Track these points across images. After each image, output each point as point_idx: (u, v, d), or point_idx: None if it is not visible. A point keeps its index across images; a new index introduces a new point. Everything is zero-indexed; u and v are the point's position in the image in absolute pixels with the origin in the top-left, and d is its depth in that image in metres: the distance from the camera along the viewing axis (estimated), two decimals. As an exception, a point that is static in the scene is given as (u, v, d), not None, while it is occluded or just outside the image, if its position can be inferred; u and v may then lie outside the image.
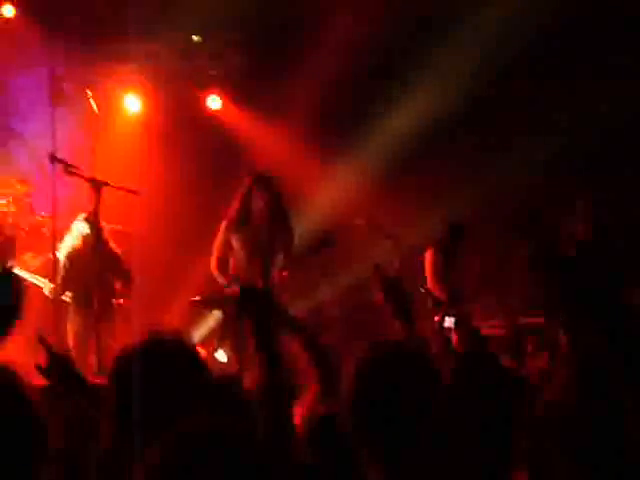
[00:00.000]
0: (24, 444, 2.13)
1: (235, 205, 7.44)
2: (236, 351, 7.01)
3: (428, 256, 7.84)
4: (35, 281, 7.99)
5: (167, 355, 2.84)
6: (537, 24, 8.78)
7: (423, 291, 7.53)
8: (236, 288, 7.07)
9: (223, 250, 7.44)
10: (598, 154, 8.94)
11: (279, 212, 7.44)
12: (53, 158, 6.84)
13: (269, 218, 7.40)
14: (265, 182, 7.42)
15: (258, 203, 7.39)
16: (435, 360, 2.94)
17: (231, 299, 7.05)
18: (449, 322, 4.91)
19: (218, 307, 7.42)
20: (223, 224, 7.46)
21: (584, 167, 9.02)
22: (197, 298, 7.40)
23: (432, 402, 2.66)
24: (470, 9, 9.04)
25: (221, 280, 7.31)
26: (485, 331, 7.32)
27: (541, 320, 7.62)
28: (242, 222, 7.40)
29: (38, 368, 3.24)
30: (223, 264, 7.39)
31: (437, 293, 7.53)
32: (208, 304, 7.36)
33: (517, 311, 8.15)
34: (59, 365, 3.33)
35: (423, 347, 3.89)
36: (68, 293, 7.72)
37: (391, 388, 2.65)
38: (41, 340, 3.30)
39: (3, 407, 2.14)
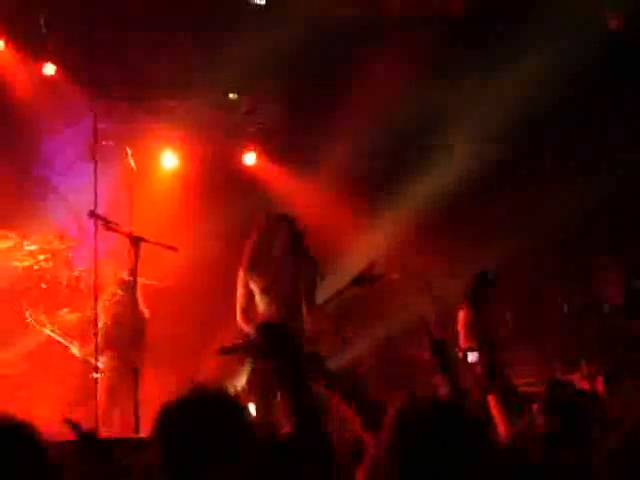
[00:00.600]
0: None
1: (250, 249, 7.20)
2: (263, 400, 6.79)
3: (460, 315, 7.72)
4: (63, 341, 8.08)
5: (212, 408, 2.82)
6: (576, 71, 8.79)
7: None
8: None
9: (245, 299, 7.20)
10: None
11: (301, 249, 7.15)
12: (92, 214, 6.88)
13: (291, 256, 7.13)
14: (287, 220, 7.18)
15: (278, 243, 7.14)
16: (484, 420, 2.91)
17: (256, 344, 6.86)
18: (473, 357, 4.78)
19: (244, 353, 7.15)
20: (240, 273, 7.22)
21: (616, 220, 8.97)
22: (225, 345, 7.16)
23: (469, 453, 2.64)
24: (508, 57, 9.05)
25: (247, 329, 7.07)
26: (522, 389, 7.26)
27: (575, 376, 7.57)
28: (261, 265, 7.14)
29: (67, 422, 3.26)
30: (247, 313, 7.16)
31: (469, 344, 7.42)
32: (234, 351, 7.19)
33: (551, 360, 8.09)
34: (89, 442, 3.35)
35: (465, 401, 3.88)
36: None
37: (430, 440, 2.63)
38: (67, 421, 3.35)
39: (21, 458, 2.12)
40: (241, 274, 7.21)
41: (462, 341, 7.50)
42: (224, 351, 7.07)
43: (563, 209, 8.98)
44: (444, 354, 3.81)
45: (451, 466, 2.62)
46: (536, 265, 9.18)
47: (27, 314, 8.43)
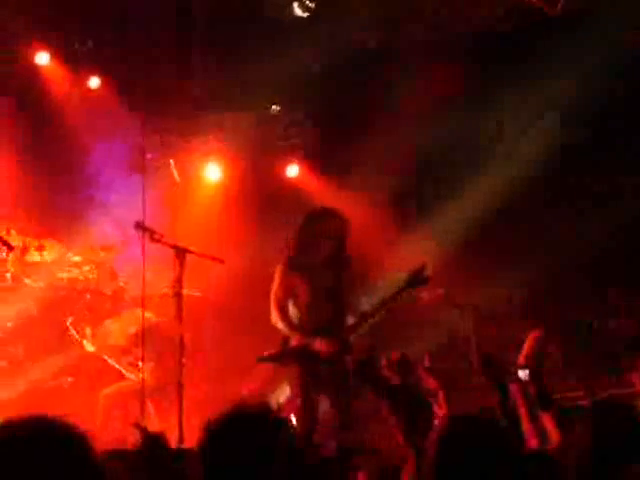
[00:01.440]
0: None
1: (294, 244, 6.86)
2: (304, 409, 6.56)
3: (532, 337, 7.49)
4: (107, 358, 8.19)
5: (255, 427, 2.80)
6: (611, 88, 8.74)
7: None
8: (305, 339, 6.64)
9: (284, 295, 6.81)
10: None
11: (345, 254, 6.89)
12: (139, 225, 6.93)
13: (336, 259, 6.85)
14: (334, 218, 6.89)
15: (323, 242, 6.82)
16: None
17: (307, 353, 6.62)
18: (524, 375, 4.71)
19: (281, 362, 6.86)
20: (280, 268, 6.85)
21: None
22: (265, 354, 6.89)
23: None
24: (545, 73, 9.01)
25: (285, 330, 6.73)
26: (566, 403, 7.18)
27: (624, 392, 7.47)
28: (305, 263, 6.80)
29: (136, 425, 3.29)
30: (285, 311, 6.78)
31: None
32: (272, 359, 6.84)
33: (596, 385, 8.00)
34: (152, 443, 3.38)
35: (514, 419, 3.86)
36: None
37: (470, 459, 2.63)
38: (136, 425, 3.38)
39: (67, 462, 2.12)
40: (280, 271, 6.86)
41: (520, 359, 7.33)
42: (260, 359, 6.92)
43: (596, 229, 8.90)
44: (494, 368, 3.81)
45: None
46: (567, 285, 9.09)
47: (68, 324, 8.51)
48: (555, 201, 9.43)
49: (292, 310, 6.83)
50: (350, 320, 6.85)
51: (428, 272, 6.84)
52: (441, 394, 4.06)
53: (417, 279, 6.80)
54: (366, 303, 6.95)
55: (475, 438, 2.68)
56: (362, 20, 9.19)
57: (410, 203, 9.61)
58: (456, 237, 9.27)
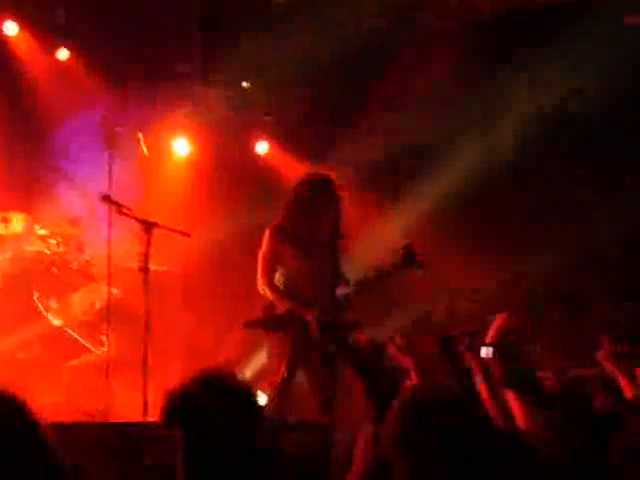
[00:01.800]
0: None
1: (291, 214, 6.58)
2: (279, 384, 6.41)
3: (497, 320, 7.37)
4: (70, 332, 8.16)
5: (220, 392, 2.77)
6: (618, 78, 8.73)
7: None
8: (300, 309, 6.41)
9: (272, 262, 6.52)
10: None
11: (340, 236, 6.73)
12: (106, 198, 6.89)
13: (331, 238, 6.66)
14: (335, 192, 6.64)
15: (323, 217, 6.59)
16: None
17: (306, 320, 6.39)
18: (486, 353, 4.65)
19: (268, 328, 6.59)
20: (271, 234, 6.56)
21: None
22: (248, 320, 6.71)
23: (471, 446, 2.64)
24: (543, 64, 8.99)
25: (275, 296, 6.48)
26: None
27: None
28: (299, 236, 6.56)
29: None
30: (271, 277, 6.52)
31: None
32: (263, 324, 6.54)
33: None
34: None
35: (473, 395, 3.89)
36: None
37: (432, 432, 2.64)
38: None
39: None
40: (271, 236, 6.56)
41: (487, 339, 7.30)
42: (247, 325, 6.74)
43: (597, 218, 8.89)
44: (451, 350, 3.85)
45: (452, 458, 2.62)
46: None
47: (35, 298, 8.46)
48: (539, 183, 9.42)
49: (278, 279, 6.60)
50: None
51: (418, 254, 6.64)
52: (413, 373, 4.05)
53: (408, 261, 6.60)
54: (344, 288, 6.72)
55: (440, 406, 2.68)
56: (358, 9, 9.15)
57: (386, 183, 9.58)
58: (434, 217, 9.26)
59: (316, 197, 6.61)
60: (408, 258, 6.58)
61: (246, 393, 2.79)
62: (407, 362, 4.15)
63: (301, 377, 6.61)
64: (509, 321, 6.34)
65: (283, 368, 6.42)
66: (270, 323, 6.57)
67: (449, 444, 2.63)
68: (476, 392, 3.95)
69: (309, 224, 6.59)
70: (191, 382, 2.79)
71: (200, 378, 2.80)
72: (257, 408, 2.79)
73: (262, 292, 6.60)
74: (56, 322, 8.40)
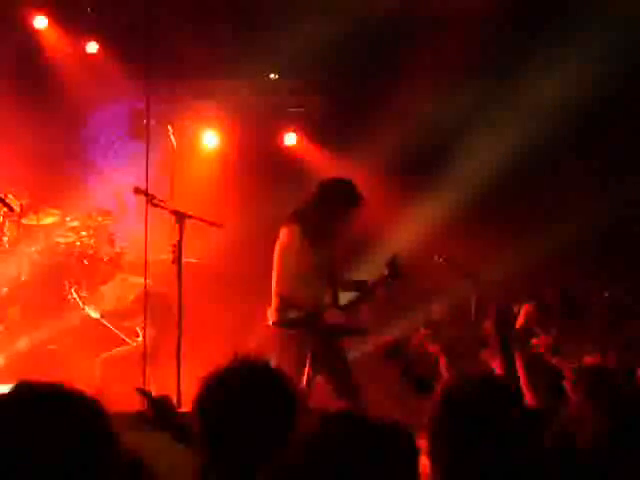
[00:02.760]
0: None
1: (319, 216, 6.53)
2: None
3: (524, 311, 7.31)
4: (104, 321, 8.21)
5: (258, 380, 2.76)
6: (616, 71, 8.69)
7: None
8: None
9: (303, 267, 6.48)
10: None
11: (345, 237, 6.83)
12: (138, 190, 6.93)
13: (338, 240, 6.71)
14: (362, 207, 6.65)
15: (345, 227, 6.63)
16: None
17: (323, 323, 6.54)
18: None
19: (301, 327, 6.61)
20: (295, 231, 6.50)
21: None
22: (276, 319, 6.69)
23: (516, 434, 2.65)
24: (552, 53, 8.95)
25: (306, 301, 6.53)
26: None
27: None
28: (317, 236, 6.55)
29: (139, 390, 3.28)
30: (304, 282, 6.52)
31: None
32: (294, 324, 6.58)
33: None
34: (158, 407, 3.37)
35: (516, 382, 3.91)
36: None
37: (478, 418, 2.65)
38: (140, 391, 3.36)
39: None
40: (297, 232, 6.52)
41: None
42: (275, 325, 6.75)
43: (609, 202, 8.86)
44: (508, 332, 3.87)
45: (498, 443, 2.63)
46: (577, 256, 9.06)
47: (72, 290, 8.51)
48: (559, 172, 9.39)
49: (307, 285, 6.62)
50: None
51: (402, 265, 6.71)
52: (442, 359, 4.07)
53: (396, 272, 6.68)
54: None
55: (478, 397, 2.69)
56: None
57: (412, 173, 9.58)
58: (458, 207, 9.25)
59: (346, 209, 6.63)
60: (394, 270, 6.67)
61: (280, 382, 2.79)
62: (434, 349, 4.17)
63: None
64: (533, 311, 6.36)
65: (308, 366, 6.51)
66: (297, 323, 6.64)
67: (490, 430, 2.64)
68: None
69: (327, 230, 6.63)
70: (225, 370, 2.79)
71: (235, 366, 2.80)
72: (294, 397, 2.79)
73: (292, 295, 6.62)
74: (94, 314, 8.44)
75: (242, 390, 2.73)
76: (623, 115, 9.15)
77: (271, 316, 6.73)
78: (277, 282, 6.66)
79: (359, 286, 6.86)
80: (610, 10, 8.59)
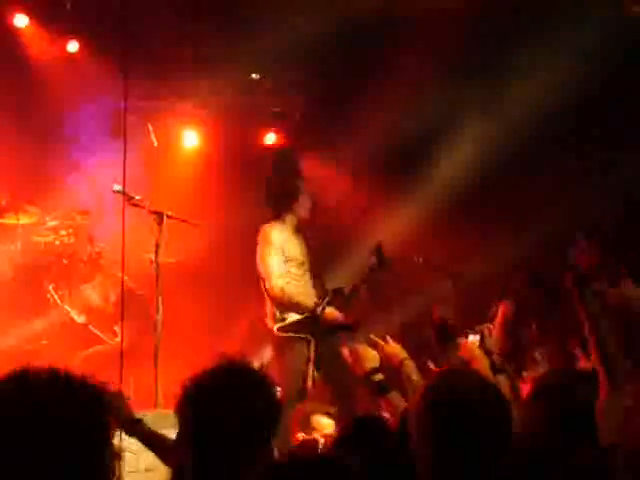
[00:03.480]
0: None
1: (279, 192, 6.77)
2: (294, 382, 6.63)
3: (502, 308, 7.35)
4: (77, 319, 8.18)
5: (245, 382, 2.77)
6: (597, 62, 8.71)
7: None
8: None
9: (281, 262, 6.69)
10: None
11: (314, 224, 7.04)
12: (117, 190, 6.91)
13: (309, 224, 6.91)
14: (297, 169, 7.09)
15: (306, 197, 6.84)
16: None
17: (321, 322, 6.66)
18: (474, 339, 4.62)
19: (304, 331, 6.75)
20: (271, 228, 6.75)
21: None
22: (280, 325, 6.80)
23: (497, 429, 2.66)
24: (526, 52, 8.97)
25: (296, 299, 6.67)
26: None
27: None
28: (291, 219, 6.77)
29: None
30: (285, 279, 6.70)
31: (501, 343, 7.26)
32: (294, 329, 6.74)
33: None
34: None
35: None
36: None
37: (454, 411, 2.65)
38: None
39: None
40: (275, 228, 6.75)
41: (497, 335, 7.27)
42: (280, 330, 6.81)
43: (588, 199, 8.88)
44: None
45: (481, 441, 2.63)
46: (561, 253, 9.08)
47: (50, 288, 8.49)
48: (543, 170, 9.40)
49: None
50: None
51: (385, 254, 6.85)
52: (409, 364, 4.08)
53: (381, 262, 6.84)
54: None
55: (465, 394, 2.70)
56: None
57: (394, 172, 9.59)
58: (442, 206, 9.27)
59: (295, 176, 6.97)
60: (380, 259, 6.81)
61: (265, 384, 2.80)
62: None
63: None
64: (510, 308, 6.39)
65: (311, 372, 6.63)
66: (298, 326, 6.74)
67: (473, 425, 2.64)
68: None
69: (295, 207, 6.83)
70: (208, 372, 2.80)
71: (217, 368, 2.80)
72: (274, 399, 2.80)
73: (278, 295, 6.73)
74: (73, 313, 8.41)
75: (226, 391, 2.75)
76: (608, 113, 9.18)
77: (270, 321, 6.82)
78: (270, 288, 6.76)
79: (337, 293, 6.89)
80: (594, 10, 8.62)
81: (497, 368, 4.13)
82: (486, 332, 4.32)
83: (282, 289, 6.71)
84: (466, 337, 4.33)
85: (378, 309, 8.82)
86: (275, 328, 6.77)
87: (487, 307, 6.82)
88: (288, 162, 6.88)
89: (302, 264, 6.84)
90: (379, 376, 3.92)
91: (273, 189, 6.84)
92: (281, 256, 6.73)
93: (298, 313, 6.76)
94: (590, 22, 8.58)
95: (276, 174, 6.89)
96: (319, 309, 6.73)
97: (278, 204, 6.79)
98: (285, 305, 6.74)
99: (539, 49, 8.84)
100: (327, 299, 6.77)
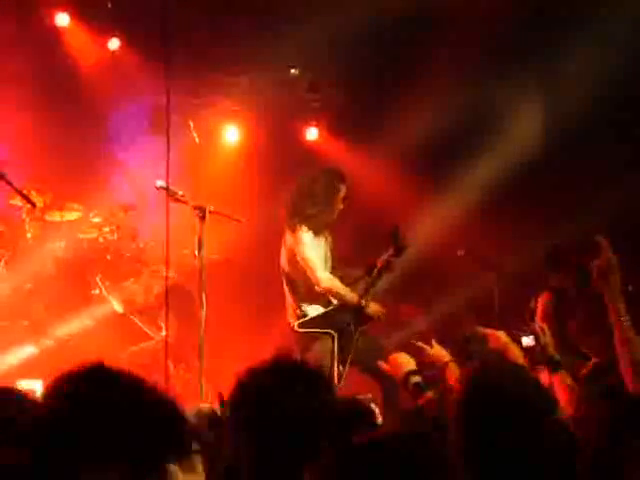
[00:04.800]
0: None
1: (315, 202, 6.83)
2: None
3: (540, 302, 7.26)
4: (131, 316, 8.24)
5: (301, 379, 2.74)
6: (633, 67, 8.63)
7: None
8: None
9: (318, 262, 6.76)
10: None
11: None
12: (161, 186, 6.94)
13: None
14: (346, 183, 6.95)
15: (338, 206, 6.89)
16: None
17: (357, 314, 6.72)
18: (529, 341, 4.54)
19: (326, 326, 6.79)
20: (305, 228, 6.80)
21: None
22: (301, 321, 6.87)
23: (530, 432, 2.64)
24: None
25: (342, 291, 6.74)
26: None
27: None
28: (322, 223, 6.87)
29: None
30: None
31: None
32: (316, 323, 6.78)
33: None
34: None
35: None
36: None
37: (490, 410, 2.65)
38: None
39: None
40: (305, 231, 6.82)
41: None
42: (301, 326, 6.86)
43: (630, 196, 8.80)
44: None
45: (516, 437, 2.63)
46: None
47: (98, 281, 8.55)
48: (579, 168, 9.34)
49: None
50: None
51: (404, 236, 6.86)
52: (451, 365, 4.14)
53: (400, 245, 6.81)
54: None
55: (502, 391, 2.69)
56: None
57: (429, 166, 9.57)
58: (477, 199, 9.23)
59: (335, 187, 6.90)
60: (398, 242, 6.78)
61: (321, 381, 2.78)
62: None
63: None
64: (550, 299, 6.33)
65: (336, 366, 6.64)
66: (319, 321, 6.79)
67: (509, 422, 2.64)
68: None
69: (326, 214, 6.88)
70: (263, 368, 2.76)
71: (273, 365, 2.77)
72: (332, 396, 2.78)
73: (329, 289, 6.79)
74: (117, 307, 8.48)
75: (280, 389, 2.71)
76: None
77: (292, 319, 6.85)
78: (317, 280, 6.79)
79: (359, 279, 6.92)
80: (619, 9, 8.55)
81: (556, 364, 4.11)
82: (539, 331, 4.28)
83: (329, 277, 6.79)
84: (519, 340, 4.31)
85: (419, 303, 8.81)
86: (296, 324, 6.78)
87: (528, 301, 6.79)
88: (334, 186, 6.87)
89: (326, 261, 6.90)
90: (416, 378, 4.04)
91: (307, 205, 6.87)
92: (315, 251, 6.81)
93: (344, 304, 6.78)
94: (621, 22, 8.52)
95: (318, 193, 6.87)
96: (363, 302, 6.73)
97: (307, 217, 6.82)
98: (335, 294, 6.79)
99: (571, 49, 8.79)
100: (370, 293, 6.78)
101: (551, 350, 4.19)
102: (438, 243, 9.04)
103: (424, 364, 4.28)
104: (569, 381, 4.01)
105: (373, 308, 6.81)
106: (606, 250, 3.62)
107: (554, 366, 4.09)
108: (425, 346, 4.23)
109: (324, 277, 6.79)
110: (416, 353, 4.34)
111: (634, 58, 8.61)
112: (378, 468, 1.99)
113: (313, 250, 6.80)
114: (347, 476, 1.98)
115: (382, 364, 4.25)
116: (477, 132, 9.44)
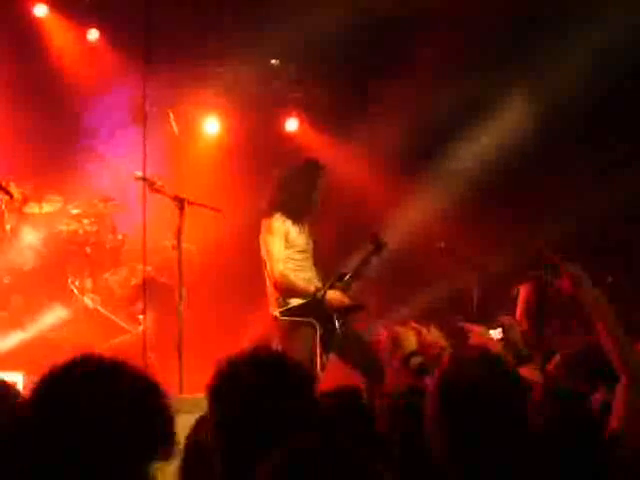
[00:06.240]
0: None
1: (291, 191, 6.81)
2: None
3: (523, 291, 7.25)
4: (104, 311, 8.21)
5: (278, 369, 2.74)
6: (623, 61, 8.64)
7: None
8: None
9: (282, 250, 6.74)
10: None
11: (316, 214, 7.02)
12: (139, 176, 6.92)
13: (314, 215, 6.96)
14: (325, 172, 6.97)
15: (317, 195, 6.85)
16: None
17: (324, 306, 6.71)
18: (496, 334, 4.53)
19: (307, 314, 6.77)
20: (275, 217, 6.77)
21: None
22: (282, 309, 6.83)
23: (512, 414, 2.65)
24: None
25: (298, 284, 6.72)
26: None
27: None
28: (298, 212, 6.82)
29: None
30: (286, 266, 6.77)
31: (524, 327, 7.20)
32: (296, 313, 6.75)
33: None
34: None
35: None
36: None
37: (471, 395, 2.65)
38: None
39: None
40: (278, 218, 6.80)
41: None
42: (283, 314, 6.85)
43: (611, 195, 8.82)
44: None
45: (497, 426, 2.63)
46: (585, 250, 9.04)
47: (69, 282, 8.53)
48: (560, 162, 9.36)
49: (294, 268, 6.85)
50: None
51: (382, 236, 6.99)
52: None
53: (378, 246, 6.92)
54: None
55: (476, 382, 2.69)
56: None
57: (412, 158, 9.56)
58: (458, 193, 9.25)
59: (313, 177, 6.92)
60: (377, 244, 6.91)
61: (300, 372, 2.77)
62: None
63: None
64: (532, 290, 6.34)
65: (319, 357, 6.63)
66: (301, 310, 6.76)
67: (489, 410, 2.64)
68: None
69: (304, 203, 6.87)
70: (241, 359, 2.75)
71: (250, 356, 2.76)
72: (311, 387, 2.77)
73: (281, 280, 6.77)
74: (91, 305, 8.45)
75: (257, 380, 2.70)
76: (623, 113, 9.12)
77: (273, 308, 6.84)
78: (271, 273, 6.80)
79: (339, 279, 6.92)
80: (610, 10, 8.56)
81: (523, 358, 4.11)
82: (506, 323, 4.28)
83: (282, 273, 6.74)
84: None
85: (402, 295, 8.81)
86: (278, 312, 6.78)
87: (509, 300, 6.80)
88: (313, 177, 6.89)
89: (304, 251, 6.89)
90: (419, 359, 3.95)
91: (285, 197, 6.85)
92: (282, 242, 6.78)
93: (299, 298, 6.77)
94: (607, 24, 8.54)
95: (296, 184, 6.88)
96: (319, 293, 6.72)
97: (285, 207, 6.80)
98: (286, 289, 6.76)
99: (554, 49, 8.81)
100: (329, 284, 6.77)
101: (519, 344, 4.19)
102: (418, 242, 9.04)
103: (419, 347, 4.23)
104: (536, 376, 4.00)
105: (335, 298, 6.76)
106: (566, 267, 3.53)
107: (520, 360, 4.09)
108: (422, 329, 4.13)
109: (278, 270, 6.75)
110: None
111: (617, 61, 8.63)
112: (327, 470, 1.94)
113: (278, 242, 6.78)
114: (296, 477, 1.94)
115: (383, 334, 4.16)
116: (460, 131, 9.45)
